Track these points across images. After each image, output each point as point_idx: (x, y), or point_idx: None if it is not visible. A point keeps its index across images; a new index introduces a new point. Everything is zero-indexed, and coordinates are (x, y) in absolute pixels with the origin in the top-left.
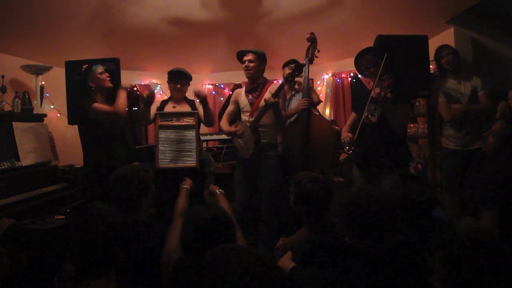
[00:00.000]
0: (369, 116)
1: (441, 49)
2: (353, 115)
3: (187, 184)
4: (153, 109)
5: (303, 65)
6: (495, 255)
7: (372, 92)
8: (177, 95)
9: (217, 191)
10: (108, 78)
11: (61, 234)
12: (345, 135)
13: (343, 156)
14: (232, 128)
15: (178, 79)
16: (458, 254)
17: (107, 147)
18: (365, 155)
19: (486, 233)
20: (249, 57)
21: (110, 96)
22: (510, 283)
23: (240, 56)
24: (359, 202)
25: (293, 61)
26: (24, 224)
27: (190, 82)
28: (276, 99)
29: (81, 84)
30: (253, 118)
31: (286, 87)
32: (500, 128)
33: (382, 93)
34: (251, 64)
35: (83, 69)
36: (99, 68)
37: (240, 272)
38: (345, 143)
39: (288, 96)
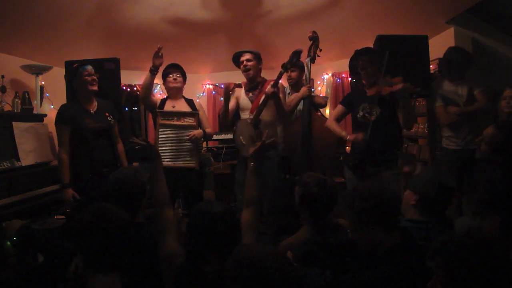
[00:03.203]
0: (366, 115)
1: (454, 51)
2: (340, 107)
3: None
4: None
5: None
6: (493, 251)
7: (381, 90)
8: (174, 90)
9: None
10: (94, 82)
11: (67, 234)
12: (354, 135)
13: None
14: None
15: (171, 70)
16: (456, 254)
17: (84, 152)
18: (362, 156)
19: (482, 231)
20: (247, 56)
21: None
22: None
23: (236, 57)
24: (364, 192)
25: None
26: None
27: (187, 81)
28: (276, 89)
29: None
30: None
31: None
32: (491, 135)
33: (404, 88)
34: (250, 63)
35: (73, 67)
36: (86, 70)
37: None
38: (357, 142)
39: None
